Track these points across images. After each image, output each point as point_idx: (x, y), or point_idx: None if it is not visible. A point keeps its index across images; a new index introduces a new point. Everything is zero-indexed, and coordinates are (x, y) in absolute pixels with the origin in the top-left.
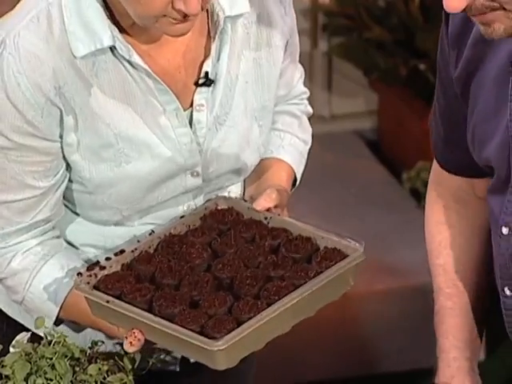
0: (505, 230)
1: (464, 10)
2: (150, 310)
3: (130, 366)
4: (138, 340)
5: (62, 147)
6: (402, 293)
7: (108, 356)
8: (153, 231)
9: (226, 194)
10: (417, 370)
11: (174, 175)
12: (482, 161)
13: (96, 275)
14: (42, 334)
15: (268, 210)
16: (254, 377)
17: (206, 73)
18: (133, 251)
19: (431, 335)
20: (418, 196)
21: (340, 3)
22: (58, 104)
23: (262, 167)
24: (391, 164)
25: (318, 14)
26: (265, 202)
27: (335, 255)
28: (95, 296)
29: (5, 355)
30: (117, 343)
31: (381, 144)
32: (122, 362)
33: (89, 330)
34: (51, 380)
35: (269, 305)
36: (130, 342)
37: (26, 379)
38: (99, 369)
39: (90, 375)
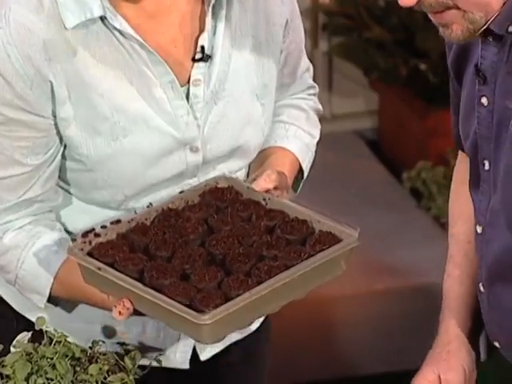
0: (478, 229)
1: (419, 6)
2: (140, 280)
3: (130, 366)
4: (127, 309)
5: (56, 123)
6: (401, 293)
7: (109, 356)
8: (151, 204)
9: (226, 173)
10: (416, 370)
11: (173, 150)
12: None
13: (90, 242)
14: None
15: (267, 191)
16: (266, 376)
17: (202, 47)
18: (129, 221)
19: (431, 335)
20: (419, 196)
21: (340, 3)
22: (48, 76)
23: (265, 154)
24: (391, 164)
25: (318, 13)
26: (264, 182)
27: (329, 239)
28: (88, 262)
29: (6, 355)
30: (117, 343)
31: (381, 144)
32: (123, 361)
33: (90, 328)
34: (52, 380)
35: (259, 283)
36: (119, 311)
37: (26, 379)
38: (100, 369)
39: (91, 375)
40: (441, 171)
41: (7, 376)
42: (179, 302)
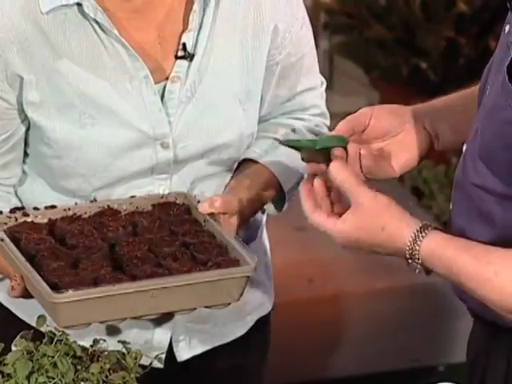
0: (464, 147)
1: None
2: (34, 258)
3: (132, 365)
4: (18, 284)
5: (19, 109)
6: (401, 292)
7: (110, 354)
8: (95, 199)
9: (187, 191)
10: (417, 369)
11: (143, 144)
12: None
13: (16, 219)
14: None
15: (212, 214)
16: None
17: (184, 45)
18: (65, 210)
19: (431, 334)
20: (420, 194)
21: (341, 2)
22: (14, 63)
23: (241, 168)
24: None
25: (319, 12)
26: (207, 206)
27: (230, 265)
28: None
29: (7, 353)
30: (119, 341)
31: None
32: (124, 360)
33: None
34: (53, 378)
35: None
36: (12, 286)
37: (27, 377)
38: (101, 367)
39: (92, 374)
40: (442, 170)
41: (8, 374)
42: (47, 282)
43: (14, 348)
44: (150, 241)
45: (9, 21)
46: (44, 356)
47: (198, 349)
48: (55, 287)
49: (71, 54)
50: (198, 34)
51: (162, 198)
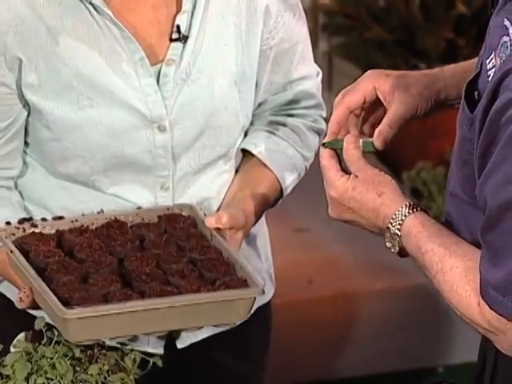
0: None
1: None
2: (43, 271)
3: (130, 366)
4: (27, 297)
5: (19, 94)
6: (402, 292)
7: (109, 356)
8: (102, 210)
9: (193, 203)
10: (417, 369)
11: (140, 127)
12: None
13: (24, 229)
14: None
15: (219, 229)
16: (263, 377)
17: (178, 27)
18: (73, 221)
19: (431, 334)
20: (419, 196)
21: (340, 3)
22: (13, 46)
23: (244, 172)
24: (391, 164)
25: (318, 13)
26: (214, 222)
27: (238, 285)
28: (4, 243)
29: (6, 355)
30: (118, 343)
31: None
32: (123, 361)
33: None
34: (52, 380)
35: None
36: (20, 298)
37: (26, 379)
38: (100, 369)
39: (91, 375)
40: (441, 171)
41: (7, 376)
42: (57, 296)
43: (12, 349)
44: (158, 256)
45: (5, 4)
46: (43, 357)
47: (197, 335)
48: (66, 302)
49: (67, 36)
50: (192, 16)
51: (168, 209)
